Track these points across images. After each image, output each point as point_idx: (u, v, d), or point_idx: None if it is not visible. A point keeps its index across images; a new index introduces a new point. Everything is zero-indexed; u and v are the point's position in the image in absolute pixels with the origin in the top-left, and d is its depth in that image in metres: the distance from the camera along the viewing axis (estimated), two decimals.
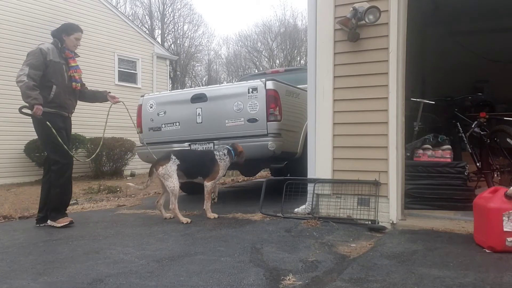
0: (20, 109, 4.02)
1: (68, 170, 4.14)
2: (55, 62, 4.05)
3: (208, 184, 4.19)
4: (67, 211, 4.25)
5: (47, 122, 3.91)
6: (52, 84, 4.02)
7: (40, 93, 3.92)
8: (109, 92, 4.55)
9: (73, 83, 4.21)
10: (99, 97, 4.55)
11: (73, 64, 4.22)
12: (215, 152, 4.27)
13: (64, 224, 4.00)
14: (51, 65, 4.02)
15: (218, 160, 4.21)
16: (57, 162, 4.05)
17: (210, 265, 2.61)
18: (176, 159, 4.10)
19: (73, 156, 4.17)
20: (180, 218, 3.99)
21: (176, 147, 4.98)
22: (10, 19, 11.41)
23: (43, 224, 4.16)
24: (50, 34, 4.24)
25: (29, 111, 3.94)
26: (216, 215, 4.14)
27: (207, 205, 4.19)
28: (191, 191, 5.92)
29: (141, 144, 5.58)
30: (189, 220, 3.97)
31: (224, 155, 4.25)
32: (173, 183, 4.04)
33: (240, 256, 2.79)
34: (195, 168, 4.26)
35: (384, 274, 2.40)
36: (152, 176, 4.18)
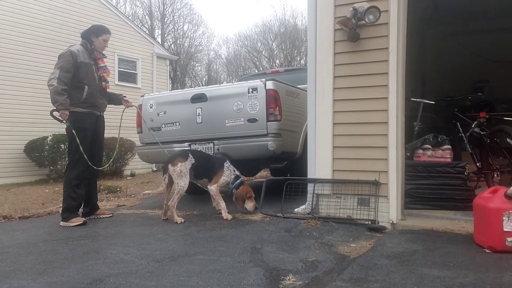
0: (51, 112, 4.16)
1: (82, 174, 4.21)
2: (85, 63, 4.19)
3: (212, 188, 4.15)
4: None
5: (73, 131, 4.09)
6: (84, 85, 4.17)
7: (73, 94, 4.10)
8: (124, 96, 4.71)
9: (103, 83, 4.40)
10: (114, 99, 4.68)
11: (101, 65, 4.38)
12: (226, 161, 4.26)
13: (78, 223, 4.05)
14: (82, 66, 4.16)
15: (225, 167, 4.19)
16: (72, 162, 4.18)
17: (210, 265, 2.61)
18: (193, 158, 4.12)
19: (91, 165, 4.22)
20: (175, 217, 3.98)
21: (176, 147, 4.98)
22: (10, 19, 11.41)
23: (88, 218, 4.33)
24: (79, 35, 4.40)
25: (57, 115, 4.10)
26: (230, 216, 4.05)
27: (221, 205, 4.12)
28: (192, 191, 5.92)
29: (141, 144, 5.58)
30: (183, 220, 3.97)
31: (233, 170, 4.23)
32: (185, 182, 4.06)
33: (240, 256, 2.79)
34: (204, 169, 4.23)
35: (384, 274, 2.40)
36: (167, 173, 4.12)
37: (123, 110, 4.77)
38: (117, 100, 4.68)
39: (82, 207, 4.39)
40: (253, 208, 4.17)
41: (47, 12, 12.23)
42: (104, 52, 4.47)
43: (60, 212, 4.29)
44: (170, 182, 4.16)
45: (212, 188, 4.15)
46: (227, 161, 4.27)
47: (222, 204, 4.12)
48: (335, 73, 3.95)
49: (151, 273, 2.49)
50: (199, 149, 4.92)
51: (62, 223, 4.09)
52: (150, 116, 5.29)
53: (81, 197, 4.27)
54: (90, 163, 4.19)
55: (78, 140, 4.09)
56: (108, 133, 4.68)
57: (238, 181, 4.20)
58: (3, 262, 2.85)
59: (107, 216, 4.49)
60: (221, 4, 52.32)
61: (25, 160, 11.32)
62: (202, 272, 2.47)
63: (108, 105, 4.60)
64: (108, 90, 4.58)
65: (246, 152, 4.70)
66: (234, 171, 4.22)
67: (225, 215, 4.06)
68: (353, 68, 3.88)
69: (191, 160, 4.10)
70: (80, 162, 4.16)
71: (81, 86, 4.16)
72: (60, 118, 4.09)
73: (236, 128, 4.76)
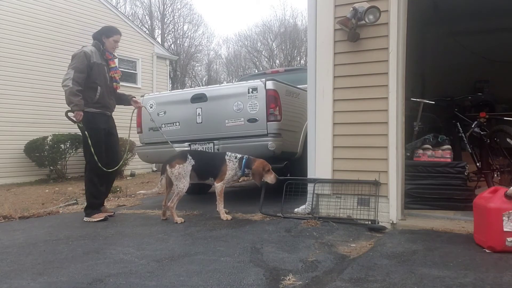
0: (66, 113, 4.23)
1: (101, 170, 4.29)
2: (98, 64, 4.27)
3: (217, 185, 4.08)
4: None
5: (86, 132, 4.18)
6: (97, 86, 4.24)
7: (86, 94, 4.18)
8: (134, 97, 4.78)
9: (114, 83, 4.48)
10: (124, 99, 4.75)
11: (112, 66, 4.47)
12: (226, 153, 4.18)
13: (100, 219, 4.19)
14: (95, 67, 4.23)
15: (227, 160, 4.08)
16: (90, 162, 4.28)
17: (210, 265, 2.61)
18: (192, 159, 4.03)
19: (101, 167, 4.26)
20: (175, 217, 3.97)
21: (176, 147, 4.98)
22: (10, 19, 11.41)
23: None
24: (91, 36, 4.49)
25: (72, 115, 4.17)
26: (229, 217, 4.03)
27: (219, 206, 4.08)
28: (191, 191, 5.92)
29: (141, 144, 5.58)
30: (183, 220, 3.96)
31: (235, 157, 4.10)
32: (184, 184, 3.99)
33: (240, 256, 2.79)
34: (207, 169, 4.15)
35: (384, 274, 2.40)
36: (165, 174, 4.07)
37: (133, 111, 4.89)
38: (126, 100, 4.74)
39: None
40: (274, 180, 4.05)
41: (47, 12, 12.22)
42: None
43: (83, 208, 4.47)
44: (170, 183, 4.12)
45: (218, 186, 4.07)
46: (227, 153, 4.17)
47: (221, 206, 4.08)
48: (335, 73, 3.95)
49: (151, 273, 2.49)
50: (199, 149, 4.90)
51: (85, 219, 4.26)
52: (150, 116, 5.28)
53: (102, 194, 4.46)
54: (100, 165, 4.21)
55: (90, 141, 4.17)
56: None
57: (245, 159, 4.06)
58: (3, 262, 2.85)
59: (109, 214, 4.50)
60: (221, 4, 52.36)
61: (25, 160, 11.32)
62: (202, 272, 2.47)
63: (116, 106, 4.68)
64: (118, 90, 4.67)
65: (246, 152, 4.69)
66: (235, 157, 4.09)
67: (223, 216, 4.03)
68: (353, 68, 3.88)
69: (190, 161, 4.02)
70: (97, 160, 4.24)
71: (94, 86, 4.23)
72: (74, 119, 4.16)
73: (236, 128, 4.76)
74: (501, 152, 4.45)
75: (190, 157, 4.04)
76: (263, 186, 4.29)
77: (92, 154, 4.18)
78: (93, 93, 4.23)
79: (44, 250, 3.15)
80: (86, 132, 4.18)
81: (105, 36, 4.39)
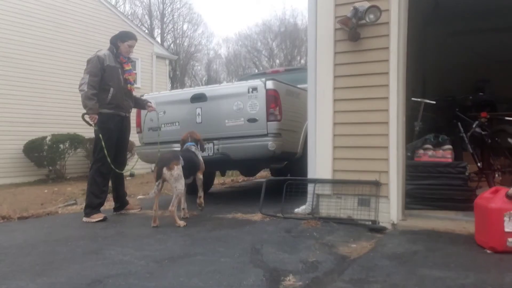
0: (82, 116, 4.42)
1: (107, 172, 4.40)
2: (111, 66, 4.40)
3: (201, 176, 4.30)
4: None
5: (100, 135, 4.30)
6: (110, 87, 4.37)
7: (100, 96, 4.32)
8: (149, 102, 4.94)
9: (128, 85, 4.60)
10: (139, 103, 4.95)
11: (127, 68, 4.60)
12: (190, 147, 4.33)
13: (98, 219, 4.22)
14: (108, 69, 4.37)
15: (197, 152, 4.32)
16: (97, 161, 4.37)
17: (210, 265, 2.59)
18: (182, 160, 3.99)
19: (114, 169, 4.41)
20: (177, 221, 3.83)
21: (176, 147, 4.96)
22: (10, 19, 11.40)
23: (119, 212, 4.70)
24: (109, 40, 4.61)
25: (88, 118, 4.35)
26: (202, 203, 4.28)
27: (201, 193, 4.33)
28: (192, 191, 5.90)
29: (141, 144, 5.56)
30: (185, 224, 3.84)
31: (198, 150, 4.36)
32: (182, 184, 3.91)
33: (240, 256, 2.78)
34: (191, 167, 4.14)
35: (385, 274, 2.38)
36: (161, 178, 3.86)
37: (145, 114, 5.04)
38: (142, 105, 4.95)
39: (114, 203, 4.73)
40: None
41: (46, 11, 12.21)
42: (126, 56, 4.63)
43: (83, 208, 4.50)
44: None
45: (201, 177, 4.28)
46: (190, 146, 4.31)
47: (201, 193, 4.34)
48: (336, 73, 3.93)
49: (151, 274, 2.47)
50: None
51: (84, 219, 4.27)
52: (150, 116, 5.26)
53: (104, 194, 4.47)
54: (112, 166, 4.36)
55: (103, 142, 4.28)
56: None
57: (193, 143, 4.36)
58: (2, 263, 2.83)
59: (135, 211, 4.72)
60: (220, 4, 52.36)
61: (24, 160, 11.31)
62: (202, 273, 2.46)
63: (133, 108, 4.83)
64: (134, 94, 4.79)
65: (246, 152, 4.68)
66: (198, 150, 4.38)
67: (200, 201, 4.29)
68: (354, 67, 3.86)
69: (182, 161, 3.96)
70: (104, 161, 4.32)
71: (107, 88, 4.36)
72: (89, 121, 4.31)
73: (236, 128, 4.75)
74: (502, 152, 4.45)
75: (181, 158, 4.00)
76: (263, 186, 4.28)
77: (102, 151, 4.28)
78: (105, 95, 4.35)
79: (43, 251, 3.13)
80: (99, 134, 4.31)
81: (121, 41, 4.51)
